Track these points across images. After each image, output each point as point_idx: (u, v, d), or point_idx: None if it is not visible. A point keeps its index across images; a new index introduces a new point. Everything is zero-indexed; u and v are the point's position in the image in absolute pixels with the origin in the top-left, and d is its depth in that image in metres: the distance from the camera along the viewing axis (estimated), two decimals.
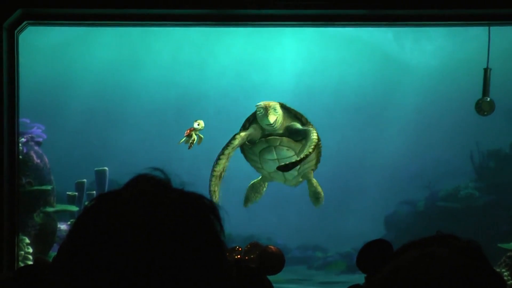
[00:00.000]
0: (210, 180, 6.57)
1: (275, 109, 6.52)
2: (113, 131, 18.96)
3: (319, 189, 7.25)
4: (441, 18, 6.02)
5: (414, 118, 18.65)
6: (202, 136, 6.84)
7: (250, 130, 6.64)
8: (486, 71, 6.57)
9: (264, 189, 7.37)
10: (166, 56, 19.21)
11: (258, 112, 6.52)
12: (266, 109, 6.49)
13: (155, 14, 5.97)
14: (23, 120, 8.86)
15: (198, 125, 6.83)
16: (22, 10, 5.81)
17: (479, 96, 6.67)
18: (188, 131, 6.84)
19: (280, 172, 6.78)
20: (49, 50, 18.36)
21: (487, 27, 6.44)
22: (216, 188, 6.57)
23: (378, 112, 19.23)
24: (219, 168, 6.58)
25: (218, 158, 6.58)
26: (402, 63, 19.23)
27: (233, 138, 6.64)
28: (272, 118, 6.46)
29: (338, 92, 18.77)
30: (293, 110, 6.68)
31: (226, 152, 6.57)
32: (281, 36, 18.27)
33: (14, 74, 5.93)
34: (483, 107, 6.71)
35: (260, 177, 7.34)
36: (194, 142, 6.76)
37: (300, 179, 7.14)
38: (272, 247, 4.86)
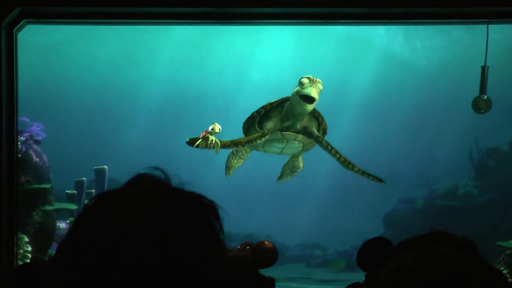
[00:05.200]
0: (214, 143, 6.35)
1: (319, 87, 6.36)
2: (112, 129, 18.97)
3: (301, 164, 7.26)
4: (440, 16, 6.02)
5: (413, 116, 18.67)
6: (219, 142, 6.55)
7: (273, 121, 6.55)
8: (484, 69, 6.57)
9: (248, 155, 7.20)
10: (165, 55, 19.23)
11: (301, 83, 6.32)
12: (313, 81, 6.31)
13: (154, 12, 5.97)
14: (22, 118, 8.85)
15: (212, 129, 6.59)
16: (21, 9, 5.81)
17: (478, 93, 6.68)
18: (204, 133, 6.62)
19: (276, 149, 6.77)
20: (48, 48, 18.37)
21: (485, 25, 6.45)
22: (208, 147, 6.38)
23: (377, 111, 19.26)
24: (230, 151, 6.51)
25: (236, 146, 6.42)
26: (401, 61, 19.25)
27: (259, 138, 6.41)
28: (314, 92, 6.30)
29: (337, 90, 18.78)
30: (313, 109, 6.63)
31: (245, 146, 6.45)
32: (280, 34, 18.29)
33: (13, 72, 5.92)
34: (480, 104, 6.71)
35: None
36: (213, 143, 6.50)
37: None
38: (265, 242, 4.87)
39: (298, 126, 6.61)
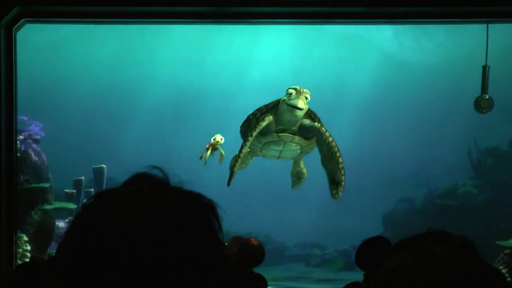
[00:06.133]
0: (236, 161, 6.49)
1: (307, 97, 6.41)
2: (111, 128, 18.97)
3: (305, 170, 7.31)
4: (440, 15, 6.03)
5: (412, 116, 18.67)
6: (223, 152, 6.80)
7: (270, 118, 6.55)
8: (485, 68, 6.57)
9: (250, 161, 7.27)
10: (164, 54, 19.23)
11: (288, 93, 6.33)
12: (300, 92, 6.35)
13: (154, 12, 5.97)
14: (21, 117, 8.85)
15: (214, 139, 6.79)
16: (20, 8, 5.81)
17: (478, 93, 6.67)
18: (208, 145, 6.81)
19: (274, 152, 6.80)
20: (47, 47, 18.37)
21: (485, 25, 6.45)
22: (236, 170, 6.51)
23: (377, 110, 19.26)
24: (245, 150, 6.56)
25: (247, 140, 6.48)
26: (401, 61, 19.25)
27: (262, 119, 6.48)
28: (301, 103, 6.33)
29: (337, 90, 18.79)
30: (309, 109, 6.64)
31: (254, 133, 6.46)
32: (279, 33, 18.29)
33: (12, 71, 5.93)
34: (482, 104, 6.71)
35: (248, 150, 7.14)
36: (222, 156, 6.82)
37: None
38: (252, 239, 4.82)
39: (294, 128, 6.61)
